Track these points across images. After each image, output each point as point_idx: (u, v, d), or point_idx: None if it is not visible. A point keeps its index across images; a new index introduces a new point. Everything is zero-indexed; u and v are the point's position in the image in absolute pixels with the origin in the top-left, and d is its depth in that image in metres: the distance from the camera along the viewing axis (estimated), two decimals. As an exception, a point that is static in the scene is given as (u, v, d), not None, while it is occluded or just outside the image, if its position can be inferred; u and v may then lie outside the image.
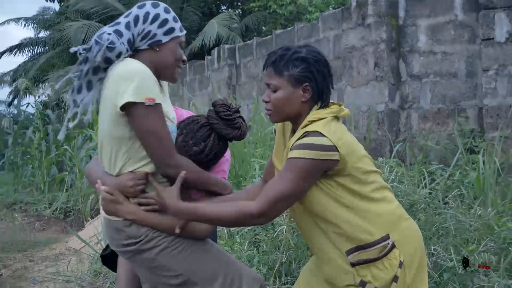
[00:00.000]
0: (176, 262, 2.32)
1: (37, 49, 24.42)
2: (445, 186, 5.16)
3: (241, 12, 20.35)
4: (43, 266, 6.61)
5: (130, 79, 2.21)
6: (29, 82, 15.97)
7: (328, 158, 2.15)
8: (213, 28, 15.63)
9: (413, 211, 4.16)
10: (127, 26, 2.33)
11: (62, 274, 5.78)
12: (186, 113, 2.62)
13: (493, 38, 6.25)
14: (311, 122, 2.24)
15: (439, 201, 4.47)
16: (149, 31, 2.35)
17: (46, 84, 15.47)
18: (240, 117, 2.52)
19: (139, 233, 2.30)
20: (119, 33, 2.30)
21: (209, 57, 10.89)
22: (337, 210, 2.23)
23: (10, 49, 24.84)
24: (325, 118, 2.24)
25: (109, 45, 2.26)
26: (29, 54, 24.66)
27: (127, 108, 2.21)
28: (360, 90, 6.92)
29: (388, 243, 2.22)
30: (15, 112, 24.33)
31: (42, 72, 20.49)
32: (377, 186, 2.30)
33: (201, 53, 17.36)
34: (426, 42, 6.70)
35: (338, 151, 2.15)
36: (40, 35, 25.12)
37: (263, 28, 18.91)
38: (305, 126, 2.24)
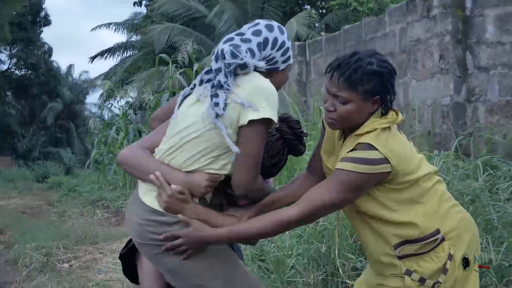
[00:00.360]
0: (200, 271, 2.31)
1: (127, 53, 25.37)
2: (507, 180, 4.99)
3: (324, 11, 20.33)
4: (111, 258, 6.88)
5: (266, 97, 2.23)
6: (115, 84, 16.64)
7: (379, 172, 2.17)
8: (292, 27, 15.67)
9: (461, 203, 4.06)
10: (259, 47, 2.32)
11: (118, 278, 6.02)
12: None
13: None
14: (367, 132, 2.23)
15: (490, 193, 4.33)
16: (274, 57, 2.35)
17: (130, 86, 16.04)
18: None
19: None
20: (252, 53, 2.30)
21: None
22: (383, 212, 2.25)
23: (101, 53, 25.91)
24: (377, 129, 2.23)
25: (241, 64, 2.25)
26: (119, 58, 25.67)
27: (250, 123, 2.20)
28: (425, 83, 6.79)
29: (438, 238, 2.21)
30: (103, 113, 25.43)
31: (128, 74, 21.23)
32: (429, 185, 2.28)
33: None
34: (494, 32, 6.49)
35: (390, 163, 2.16)
36: (132, 39, 26.10)
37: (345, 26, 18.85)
38: (359, 135, 2.24)
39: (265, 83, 2.24)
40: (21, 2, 30.30)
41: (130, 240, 2.68)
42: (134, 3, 26.07)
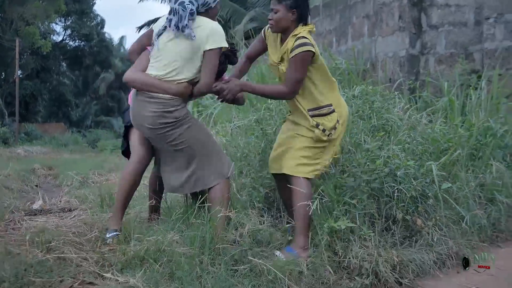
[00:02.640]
0: (190, 135, 4.09)
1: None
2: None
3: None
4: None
5: (220, 33, 4.00)
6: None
7: (312, 50, 4.02)
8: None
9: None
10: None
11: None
12: None
13: (493, -10, 7.53)
14: (299, 33, 4.07)
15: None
16: (207, 1, 4.10)
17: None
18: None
19: (181, 114, 4.05)
20: (192, 4, 4.01)
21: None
22: (309, 85, 4.14)
23: (148, 24, 27.87)
24: (304, 31, 4.09)
25: (190, 12, 3.99)
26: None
27: (211, 49, 3.97)
28: (387, 39, 8.43)
29: (330, 108, 4.15)
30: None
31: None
32: (332, 79, 4.27)
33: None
34: (443, -4, 8.07)
35: (314, 48, 4.03)
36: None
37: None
38: (295, 35, 4.06)
39: (215, 24, 4.02)
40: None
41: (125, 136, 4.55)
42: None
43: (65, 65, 45.13)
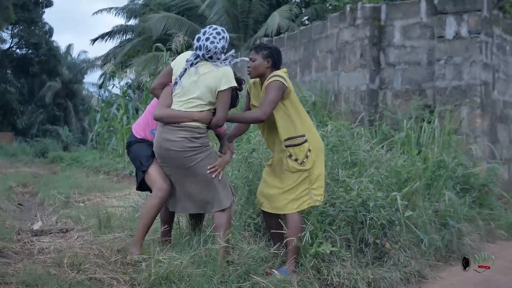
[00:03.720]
0: (210, 162, 4.88)
1: (126, 36, 27.94)
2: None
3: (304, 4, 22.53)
4: (115, 200, 9.47)
5: (230, 75, 4.76)
6: (116, 66, 19.19)
7: (284, 83, 4.89)
8: (275, 19, 18.12)
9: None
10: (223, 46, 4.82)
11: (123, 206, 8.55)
12: None
13: (443, 36, 8.62)
14: (273, 76, 4.97)
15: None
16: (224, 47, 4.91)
17: (129, 69, 18.57)
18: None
19: (205, 141, 4.81)
20: (224, 40, 4.81)
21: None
22: (283, 119, 4.98)
23: (102, 36, 28.47)
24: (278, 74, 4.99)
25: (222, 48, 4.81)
26: (119, 40, 28.20)
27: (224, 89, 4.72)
28: (350, 74, 9.44)
29: (303, 138, 4.97)
30: (105, 93, 27.97)
31: (128, 57, 23.70)
32: (304, 112, 5.12)
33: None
34: (399, 38, 9.14)
35: (286, 82, 4.92)
36: (130, 23, 28.59)
37: (300, 27, 21.26)
38: (269, 78, 4.94)
39: (226, 68, 4.79)
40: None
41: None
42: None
43: (10, 73, 44.81)
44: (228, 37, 4.87)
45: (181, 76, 4.88)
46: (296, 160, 4.95)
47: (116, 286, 4.48)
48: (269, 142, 5.25)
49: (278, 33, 17.47)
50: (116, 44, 28.09)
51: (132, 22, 28.50)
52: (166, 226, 5.35)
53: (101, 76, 30.38)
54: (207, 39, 4.76)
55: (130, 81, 20.74)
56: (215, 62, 4.80)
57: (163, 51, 14.70)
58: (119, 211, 7.75)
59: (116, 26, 28.55)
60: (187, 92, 4.81)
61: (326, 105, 9.18)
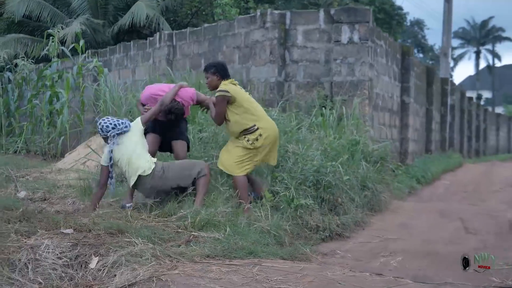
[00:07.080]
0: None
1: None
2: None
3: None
4: (53, 175, 10.62)
5: None
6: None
7: (226, 94, 6.82)
8: (142, 8, 19.49)
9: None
10: None
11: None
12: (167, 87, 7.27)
13: (340, 41, 10.99)
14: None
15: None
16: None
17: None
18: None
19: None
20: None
21: (151, 39, 15.09)
22: (235, 118, 6.90)
23: None
24: (225, 84, 6.92)
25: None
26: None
27: None
28: (260, 68, 11.52)
29: (254, 127, 6.92)
30: None
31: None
32: (255, 106, 7.07)
33: (130, 30, 21.35)
34: (302, 40, 11.39)
35: (229, 93, 6.83)
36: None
37: (181, 9, 23.06)
38: (216, 92, 6.90)
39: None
40: None
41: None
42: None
43: None
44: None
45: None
46: (248, 140, 6.89)
47: (166, 230, 6.07)
48: (230, 133, 7.22)
49: (146, 21, 19.07)
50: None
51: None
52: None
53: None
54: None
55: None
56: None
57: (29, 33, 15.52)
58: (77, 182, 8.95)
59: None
60: None
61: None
